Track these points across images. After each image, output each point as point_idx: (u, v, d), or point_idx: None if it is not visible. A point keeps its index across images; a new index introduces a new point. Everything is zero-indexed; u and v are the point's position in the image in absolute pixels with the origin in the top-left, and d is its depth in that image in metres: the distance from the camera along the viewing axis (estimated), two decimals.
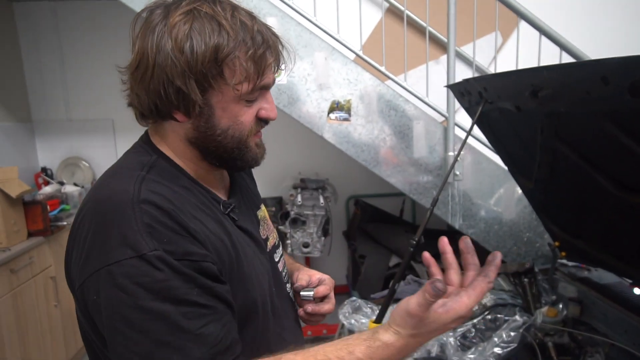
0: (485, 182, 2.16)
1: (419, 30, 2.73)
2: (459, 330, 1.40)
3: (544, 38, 2.05)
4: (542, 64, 1.92)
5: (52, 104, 3.41)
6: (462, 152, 1.60)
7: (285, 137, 3.31)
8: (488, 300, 1.56)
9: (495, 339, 1.28)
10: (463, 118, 2.23)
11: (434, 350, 1.34)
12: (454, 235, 2.60)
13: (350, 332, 1.38)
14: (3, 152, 3.06)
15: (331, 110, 2.07)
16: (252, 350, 0.75)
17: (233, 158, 0.79)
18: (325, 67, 2.04)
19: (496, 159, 1.96)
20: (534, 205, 1.53)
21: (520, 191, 1.76)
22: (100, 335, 0.69)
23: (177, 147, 0.78)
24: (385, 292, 1.87)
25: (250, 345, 0.76)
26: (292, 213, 2.89)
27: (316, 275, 1.00)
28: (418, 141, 2.11)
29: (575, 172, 1.15)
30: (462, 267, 0.74)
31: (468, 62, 2.62)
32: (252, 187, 1.01)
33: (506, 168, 1.57)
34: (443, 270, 0.75)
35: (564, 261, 1.61)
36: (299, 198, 2.93)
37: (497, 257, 0.72)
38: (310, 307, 0.96)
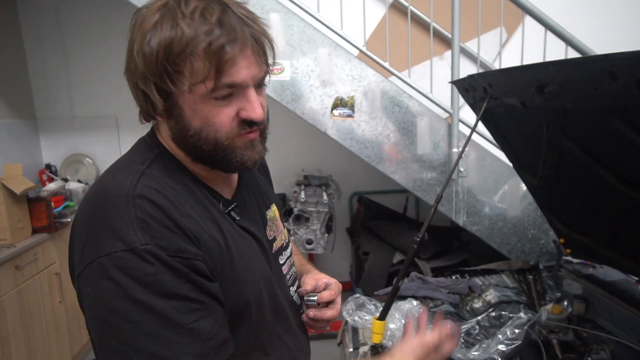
0: (490, 178, 2.15)
1: (423, 25, 2.71)
2: (463, 327, 1.40)
3: (549, 33, 2.03)
4: (548, 59, 1.90)
5: (55, 101, 3.42)
6: (466, 149, 1.59)
7: (288, 134, 3.31)
8: (492, 297, 1.56)
9: (500, 336, 1.28)
10: (467, 114, 2.21)
11: None
12: (457, 233, 2.59)
13: (354, 328, 1.38)
14: (7, 149, 3.07)
15: (335, 106, 2.06)
16: (246, 352, 0.75)
17: (215, 160, 0.74)
18: (328, 63, 2.03)
19: (501, 155, 1.95)
20: (539, 202, 1.52)
21: (524, 188, 1.74)
22: None
23: (171, 145, 0.78)
24: (389, 289, 1.86)
25: (243, 347, 0.75)
26: (295, 210, 2.88)
27: (323, 279, 0.99)
28: (422, 138, 2.10)
29: (580, 168, 1.14)
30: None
31: (472, 57, 2.61)
32: (264, 186, 0.99)
33: (511, 165, 1.56)
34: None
35: (569, 258, 1.60)
36: (303, 195, 2.92)
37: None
38: (312, 312, 0.95)
